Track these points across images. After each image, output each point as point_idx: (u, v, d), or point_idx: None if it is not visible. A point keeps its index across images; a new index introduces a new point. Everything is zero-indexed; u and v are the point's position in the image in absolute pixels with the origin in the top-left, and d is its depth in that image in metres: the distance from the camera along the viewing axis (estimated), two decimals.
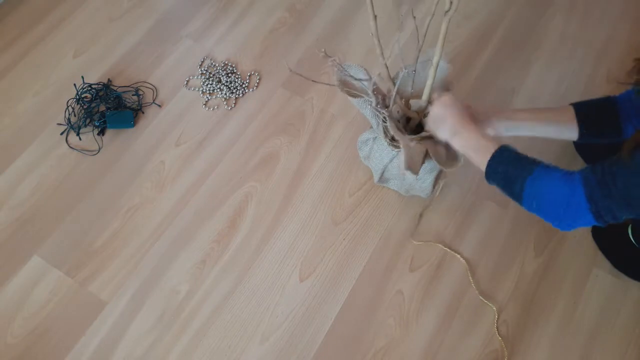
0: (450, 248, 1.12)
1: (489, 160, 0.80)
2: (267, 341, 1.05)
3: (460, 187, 1.18)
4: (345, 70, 0.99)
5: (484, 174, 0.82)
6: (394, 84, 0.94)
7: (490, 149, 0.81)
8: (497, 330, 1.04)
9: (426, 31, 0.87)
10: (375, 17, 0.85)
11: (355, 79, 0.96)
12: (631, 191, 0.65)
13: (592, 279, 1.09)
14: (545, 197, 0.74)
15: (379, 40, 0.89)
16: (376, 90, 0.97)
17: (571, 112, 0.90)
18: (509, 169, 0.79)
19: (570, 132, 0.91)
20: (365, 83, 0.95)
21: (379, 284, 1.09)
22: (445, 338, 1.04)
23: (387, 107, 0.96)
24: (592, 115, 0.89)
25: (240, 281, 1.10)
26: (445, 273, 1.10)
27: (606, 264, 1.09)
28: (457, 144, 0.88)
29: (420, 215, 1.15)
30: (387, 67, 0.93)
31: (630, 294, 1.07)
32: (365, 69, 0.98)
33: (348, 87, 0.99)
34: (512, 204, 1.15)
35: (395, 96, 0.94)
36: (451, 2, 0.80)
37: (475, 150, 0.84)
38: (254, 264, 1.12)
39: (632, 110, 0.86)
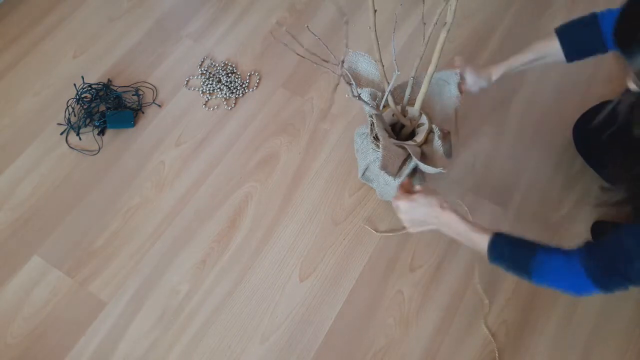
0: (449, 248, 1.12)
1: (489, 251, 0.81)
2: (267, 341, 1.05)
3: (460, 186, 1.18)
4: (356, 62, 1.00)
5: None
6: (388, 83, 0.94)
7: (484, 242, 0.81)
8: (490, 330, 1.04)
9: (428, 40, 0.87)
10: (375, 11, 0.85)
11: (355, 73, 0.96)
12: (630, 274, 0.68)
13: None
14: (555, 286, 0.77)
15: (376, 35, 0.89)
16: (373, 85, 0.98)
17: (554, 43, 0.94)
18: (509, 262, 0.80)
19: (561, 57, 0.95)
20: (364, 70, 0.95)
21: (379, 284, 1.09)
22: (445, 338, 1.04)
23: (378, 106, 0.96)
24: (575, 38, 0.92)
25: (240, 281, 1.10)
26: (445, 273, 1.10)
27: None
28: (446, 233, 0.88)
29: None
30: (382, 65, 0.92)
31: (630, 294, 1.07)
32: (370, 57, 0.98)
33: (356, 80, 0.99)
34: (512, 204, 1.16)
35: (387, 97, 0.93)
36: (454, 10, 0.80)
37: (469, 242, 0.85)
38: (254, 264, 1.12)
39: (608, 25, 0.87)
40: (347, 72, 0.97)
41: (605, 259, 0.70)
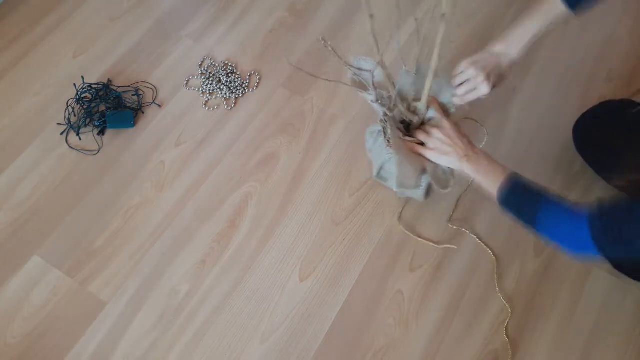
0: (449, 248, 1.12)
1: (499, 191, 0.81)
2: (267, 341, 1.05)
3: (460, 186, 1.18)
4: (352, 65, 0.99)
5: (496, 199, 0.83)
6: (394, 85, 0.94)
7: (500, 177, 0.82)
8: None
9: (422, 35, 0.87)
10: (371, 15, 0.85)
11: (358, 69, 0.95)
12: (633, 242, 0.67)
13: (592, 279, 1.08)
14: (556, 235, 0.76)
15: (375, 38, 0.88)
16: (378, 86, 0.97)
17: (558, 4, 0.87)
18: (520, 202, 0.80)
19: (566, 15, 0.89)
20: (367, 74, 0.94)
21: (379, 284, 1.09)
22: (446, 338, 1.04)
23: (390, 109, 0.95)
24: None
25: (240, 281, 1.10)
26: (445, 273, 1.10)
27: (606, 264, 1.09)
28: (467, 169, 0.88)
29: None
30: (385, 67, 0.92)
31: (630, 294, 1.07)
32: (372, 60, 0.97)
33: (361, 87, 0.99)
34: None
35: (396, 98, 0.93)
36: (453, 2, 0.80)
37: (486, 176, 0.85)
38: (254, 264, 1.12)
39: None
40: (356, 78, 0.97)
41: (615, 226, 0.68)
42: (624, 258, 0.70)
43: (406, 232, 1.14)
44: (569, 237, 0.74)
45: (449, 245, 1.12)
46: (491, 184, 0.83)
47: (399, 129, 0.98)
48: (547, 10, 0.88)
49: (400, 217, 1.15)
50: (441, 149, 0.90)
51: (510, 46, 0.92)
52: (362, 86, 0.97)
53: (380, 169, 1.09)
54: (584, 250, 0.72)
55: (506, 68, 0.94)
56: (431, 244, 1.12)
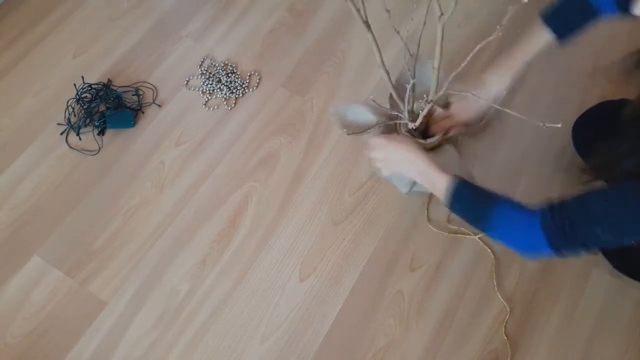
0: (449, 248, 1.12)
1: (446, 196, 0.81)
2: (267, 341, 1.05)
3: None
4: (344, 113, 0.99)
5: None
6: (403, 101, 0.94)
7: (443, 183, 0.81)
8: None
9: (420, 39, 0.87)
10: (379, 52, 0.86)
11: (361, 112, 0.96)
12: (588, 240, 0.68)
13: (592, 279, 1.08)
14: (508, 239, 0.76)
15: (385, 68, 0.88)
16: (387, 116, 0.98)
17: (547, 36, 0.90)
18: (468, 208, 0.80)
19: (552, 45, 0.92)
20: (372, 116, 0.95)
21: (379, 284, 1.09)
22: (446, 338, 1.04)
23: (413, 121, 0.96)
24: (563, 21, 0.90)
25: (240, 281, 1.10)
26: (445, 273, 1.10)
27: (606, 264, 1.09)
28: (417, 180, 0.89)
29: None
30: (394, 89, 0.92)
31: (630, 294, 1.07)
32: (365, 106, 0.98)
33: (353, 129, 0.99)
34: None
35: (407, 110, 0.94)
36: (450, 6, 0.80)
37: (432, 186, 0.85)
38: (254, 264, 1.12)
39: None
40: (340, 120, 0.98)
41: (567, 221, 0.68)
42: (577, 253, 0.70)
43: (442, 232, 1.14)
44: (521, 239, 0.73)
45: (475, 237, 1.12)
46: (436, 186, 0.83)
47: (409, 132, 0.98)
48: (535, 41, 0.92)
49: (428, 217, 1.15)
50: (385, 164, 0.92)
51: (499, 76, 0.94)
52: (355, 130, 0.98)
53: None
54: (537, 250, 0.72)
55: (484, 107, 0.96)
56: (468, 236, 1.13)
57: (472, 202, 0.79)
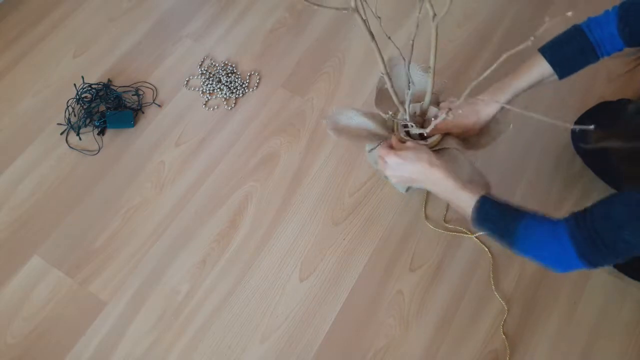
0: (449, 248, 1.12)
1: (472, 215, 0.80)
2: (267, 341, 1.05)
3: None
4: (338, 118, 0.99)
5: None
6: (405, 109, 0.94)
7: (471, 202, 0.80)
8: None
9: (413, 42, 0.86)
10: (383, 61, 0.86)
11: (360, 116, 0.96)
12: (617, 246, 0.67)
13: (592, 279, 1.08)
14: (538, 255, 0.75)
15: (388, 76, 0.88)
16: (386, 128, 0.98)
17: (544, 65, 0.90)
18: (494, 226, 0.79)
19: (551, 78, 0.92)
20: (364, 119, 0.95)
21: (379, 284, 1.09)
22: (446, 338, 1.04)
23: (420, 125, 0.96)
24: (565, 54, 0.89)
25: (240, 281, 1.10)
26: (445, 273, 1.10)
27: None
28: (435, 192, 0.88)
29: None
30: (389, 78, 0.92)
31: (630, 294, 1.07)
32: (358, 110, 0.99)
33: (345, 133, 0.99)
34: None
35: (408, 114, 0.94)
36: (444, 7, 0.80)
37: (456, 201, 0.84)
38: (254, 264, 1.12)
39: (600, 33, 0.85)
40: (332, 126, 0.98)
41: (592, 229, 0.68)
42: (611, 262, 0.69)
43: (442, 230, 1.14)
44: (551, 253, 0.73)
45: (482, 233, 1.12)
46: (462, 211, 0.82)
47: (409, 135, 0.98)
48: (531, 71, 0.90)
49: (426, 215, 1.16)
50: (399, 179, 0.90)
51: (490, 101, 0.94)
52: (348, 134, 0.98)
53: None
54: (569, 265, 0.71)
55: (480, 122, 0.95)
56: (466, 235, 1.13)
57: (498, 219, 0.78)
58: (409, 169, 0.87)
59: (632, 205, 0.65)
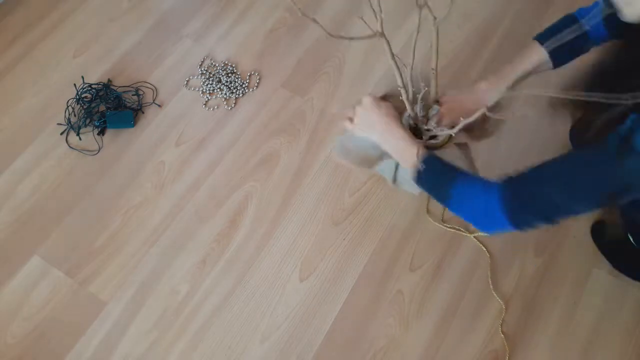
0: (449, 248, 1.12)
1: (416, 170, 0.82)
2: (267, 341, 1.05)
3: None
4: (344, 142, 0.99)
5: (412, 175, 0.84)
6: (415, 112, 0.94)
7: (414, 157, 0.82)
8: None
9: (414, 47, 0.87)
10: (401, 74, 0.86)
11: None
12: (540, 202, 0.68)
13: (592, 279, 1.08)
14: (469, 216, 0.77)
15: (405, 87, 0.89)
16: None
17: (541, 53, 0.92)
18: (434, 179, 0.81)
19: (548, 65, 0.94)
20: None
21: (379, 284, 1.09)
22: (446, 338, 1.04)
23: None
24: (560, 41, 0.90)
25: (240, 281, 1.10)
26: (445, 273, 1.10)
27: (606, 264, 1.09)
28: (385, 147, 0.89)
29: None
30: (408, 99, 0.92)
31: (630, 294, 1.07)
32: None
33: (359, 159, 0.99)
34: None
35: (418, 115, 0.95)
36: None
37: (401, 155, 0.86)
38: (254, 264, 1.12)
39: (590, 21, 0.87)
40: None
41: (521, 183, 0.69)
42: (536, 225, 0.70)
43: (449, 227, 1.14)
44: (481, 212, 0.74)
45: (481, 233, 1.12)
46: (406, 164, 0.84)
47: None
48: (527, 59, 0.92)
49: (428, 210, 1.16)
50: (362, 123, 0.91)
51: (489, 89, 0.95)
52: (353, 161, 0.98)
53: (395, 175, 1.06)
54: (497, 225, 0.72)
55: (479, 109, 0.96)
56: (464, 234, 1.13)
57: (436, 176, 0.80)
58: (375, 112, 0.89)
59: (559, 163, 0.67)
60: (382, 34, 0.78)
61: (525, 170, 0.71)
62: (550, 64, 0.92)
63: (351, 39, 0.78)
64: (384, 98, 1.04)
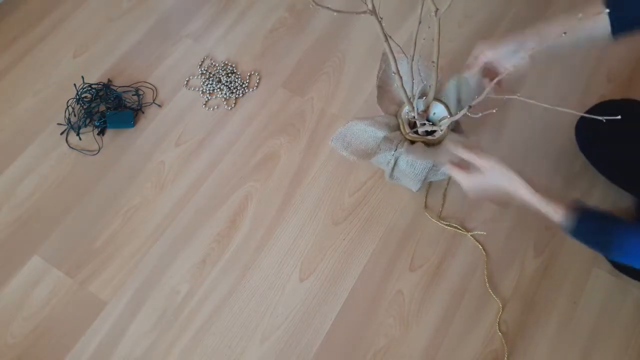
0: (449, 248, 1.12)
1: (567, 230, 0.79)
2: (267, 341, 1.05)
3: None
4: (343, 135, 0.99)
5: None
6: (412, 106, 0.94)
7: (556, 216, 0.79)
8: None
9: (416, 38, 0.86)
10: (400, 76, 0.86)
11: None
12: None
13: (592, 279, 1.08)
14: (634, 255, 0.75)
15: (404, 89, 0.88)
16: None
17: (600, 16, 0.79)
18: (589, 238, 0.79)
19: (603, 39, 0.82)
20: (372, 129, 0.95)
21: (379, 284, 1.09)
22: (446, 338, 1.04)
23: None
24: (626, 5, 0.78)
25: (240, 281, 1.10)
26: (445, 273, 1.10)
27: (606, 264, 1.09)
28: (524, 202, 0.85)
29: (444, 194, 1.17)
30: (400, 77, 0.91)
31: (630, 294, 1.07)
32: (361, 120, 0.98)
33: (359, 152, 0.98)
34: (513, 204, 1.15)
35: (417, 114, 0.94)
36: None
37: (542, 211, 0.82)
38: (254, 264, 1.12)
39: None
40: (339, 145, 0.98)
41: None
42: None
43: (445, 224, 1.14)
44: None
45: (479, 232, 1.13)
46: (551, 216, 0.81)
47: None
48: (589, 26, 0.82)
49: (426, 206, 1.16)
50: (482, 195, 0.89)
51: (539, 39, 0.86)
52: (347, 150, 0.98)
53: (393, 170, 1.07)
54: None
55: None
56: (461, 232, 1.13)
57: (594, 231, 0.78)
58: (493, 186, 0.86)
59: None
60: (373, 12, 0.77)
61: None
62: (612, 38, 0.80)
63: (338, 11, 0.75)
64: (379, 87, 1.04)
